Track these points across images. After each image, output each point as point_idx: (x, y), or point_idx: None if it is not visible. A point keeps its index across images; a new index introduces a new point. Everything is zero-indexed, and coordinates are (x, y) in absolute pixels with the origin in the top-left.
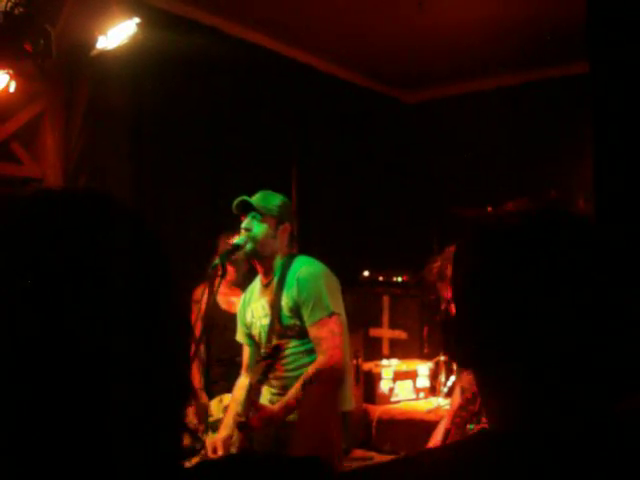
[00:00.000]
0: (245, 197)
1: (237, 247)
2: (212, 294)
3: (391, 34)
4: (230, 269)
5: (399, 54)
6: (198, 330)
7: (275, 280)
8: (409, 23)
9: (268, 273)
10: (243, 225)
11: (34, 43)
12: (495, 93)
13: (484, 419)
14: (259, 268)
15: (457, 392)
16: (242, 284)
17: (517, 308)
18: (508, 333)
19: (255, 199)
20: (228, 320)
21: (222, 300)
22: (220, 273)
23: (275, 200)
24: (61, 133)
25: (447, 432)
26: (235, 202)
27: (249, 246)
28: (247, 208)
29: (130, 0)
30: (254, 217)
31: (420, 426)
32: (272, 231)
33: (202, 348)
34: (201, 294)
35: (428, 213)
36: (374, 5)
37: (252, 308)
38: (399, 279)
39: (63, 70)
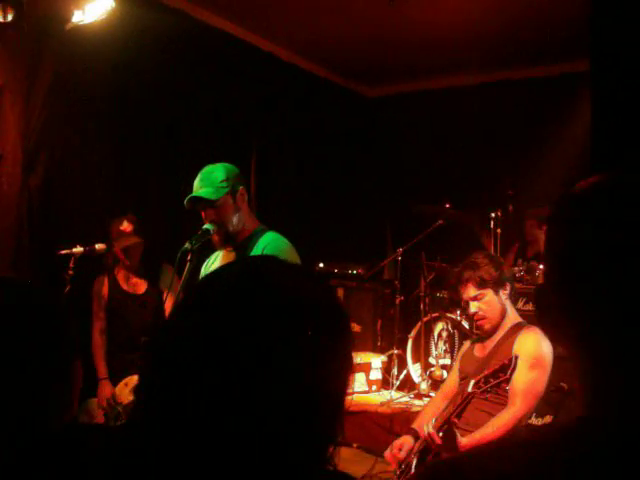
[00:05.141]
0: (194, 194)
1: (207, 232)
2: (185, 279)
3: (359, 28)
4: (126, 259)
5: (364, 48)
6: (102, 321)
7: (241, 248)
8: (378, 17)
9: (234, 243)
10: (206, 218)
11: (3, 13)
12: (455, 91)
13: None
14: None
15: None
16: (139, 269)
17: (629, 279)
18: (617, 306)
19: (203, 190)
20: (133, 304)
21: (125, 284)
22: (190, 258)
23: (219, 175)
24: (22, 108)
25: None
26: (185, 201)
27: (223, 235)
28: (198, 200)
29: None
30: (210, 206)
31: (373, 418)
32: (232, 205)
33: (105, 338)
34: (100, 285)
35: (384, 207)
36: None
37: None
38: (354, 272)
39: (27, 42)
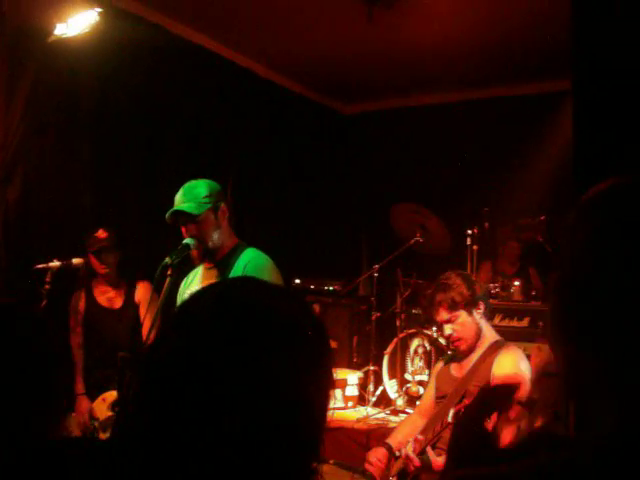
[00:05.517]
0: (177, 207)
1: (187, 247)
2: (164, 294)
3: (336, 45)
4: (100, 265)
5: (341, 65)
6: (79, 336)
7: (221, 265)
8: (355, 35)
9: (214, 259)
10: (188, 232)
11: None
12: (430, 109)
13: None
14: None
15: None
16: (114, 278)
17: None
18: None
19: (185, 205)
20: (110, 319)
21: (102, 298)
22: (169, 273)
23: (202, 190)
24: (0, 119)
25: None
26: (167, 215)
27: (202, 250)
28: (180, 214)
29: None
30: (192, 221)
31: (349, 434)
32: (213, 221)
33: (82, 353)
34: (77, 300)
35: (360, 224)
36: (322, 15)
37: (192, 291)
38: (330, 288)
39: (7, 53)
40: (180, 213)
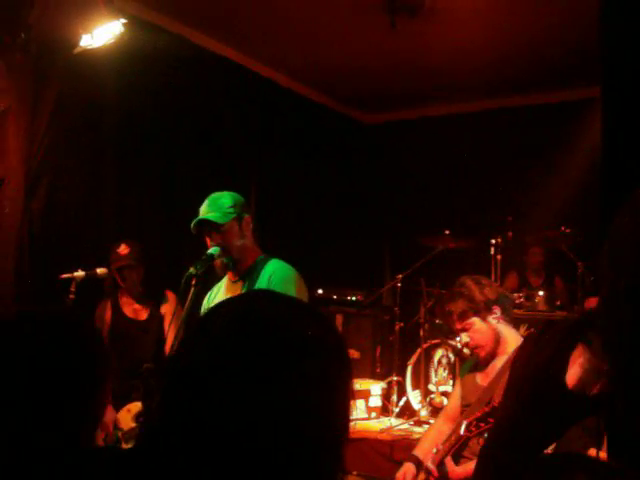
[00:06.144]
0: (202, 217)
1: (211, 256)
2: (188, 304)
3: (357, 55)
4: (124, 282)
5: (362, 75)
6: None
7: (246, 278)
8: (376, 45)
9: (238, 272)
10: (212, 242)
11: (13, 36)
12: (453, 118)
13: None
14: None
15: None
16: (137, 292)
17: None
18: None
19: (210, 214)
20: (135, 330)
21: (128, 310)
22: (194, 283)
23: (227, 201)
24: (26, 132)
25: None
26: (192, 224)
27: (226, 260)
28: (204, 224)
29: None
30: (217, 230)
31: (373, 445)
32: (237, 231)
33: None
34: (103, 310)
35: (382, 234)
36: (344, 24)
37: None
38: (353, 298)
39: (33, 66)
40: (205, 222)
